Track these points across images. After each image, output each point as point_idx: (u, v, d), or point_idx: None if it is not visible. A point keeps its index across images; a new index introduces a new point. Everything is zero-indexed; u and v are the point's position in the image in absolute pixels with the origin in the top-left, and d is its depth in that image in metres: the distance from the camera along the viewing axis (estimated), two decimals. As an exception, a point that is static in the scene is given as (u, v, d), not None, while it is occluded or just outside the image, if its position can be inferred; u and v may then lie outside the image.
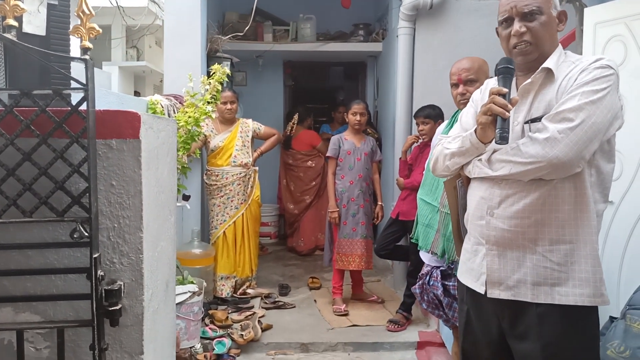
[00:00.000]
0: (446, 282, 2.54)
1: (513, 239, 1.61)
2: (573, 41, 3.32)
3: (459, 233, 1.94)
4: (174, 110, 3.58)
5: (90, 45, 1.19)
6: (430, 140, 3.70)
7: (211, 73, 3.37)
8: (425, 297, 2.64)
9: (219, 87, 3.34)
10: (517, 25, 1.60)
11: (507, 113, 1.49)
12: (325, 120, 7.17)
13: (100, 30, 1.20)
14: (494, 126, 1.53)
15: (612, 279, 2.80)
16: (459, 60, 2.53)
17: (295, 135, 6.02)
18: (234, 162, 4.30)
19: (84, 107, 1.17)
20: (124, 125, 1.11)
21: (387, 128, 5.46)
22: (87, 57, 1.18)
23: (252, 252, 4.43)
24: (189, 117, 3.17)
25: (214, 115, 3.40)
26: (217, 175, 4.29)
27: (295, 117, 6.03)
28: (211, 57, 4.66)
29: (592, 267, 1.55)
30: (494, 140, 1.56)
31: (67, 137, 1.19)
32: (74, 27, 1.18)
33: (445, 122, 2.79)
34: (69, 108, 1.19)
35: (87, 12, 1.18)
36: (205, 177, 4.36)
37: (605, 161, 1.59)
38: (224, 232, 4.29)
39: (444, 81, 2.67)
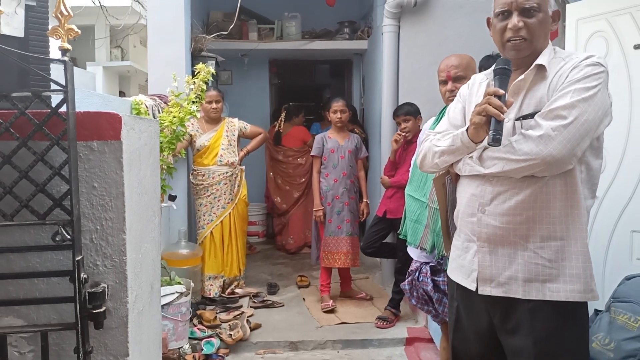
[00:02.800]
0: (436, 278, 2.55)
1: (504, 235, 1.61)
2: (556, 37, 3.36)
3: (448, 230, 1.94)
4: (158, 110, 3.56)
5: (69, 47, 1.17)
6: (414, 137, 3.72)
7: (196, 72, 3.36)
8: (415, 293, 2.65)
9: (204, 87, 3.32)
10: (515, 19, 1.59)
11: (502, 115, 1.49)
12: (313, 119, 7.17)
13: (79, 32, 1.18)
14: (488, 127, 1.52)
15: (596, 272, 2.82)
16: (447, 57, 2.54)
17: (286, 132, 6.02)
18: (220, 161, 4.29)
19: (64, 108, 1.16)
20: (105, 127, 1.10)
21: (373, 125, 5.47)
22: (66, 58, 1.17)
23: (239, 252, 4.43)
24: (174, 117, 3.15)
25: (198, 115, 3.38)
26: (204, 175, 4.27)
27: (283, 113, 6.03)
28: (196, 56, 4.64)
29: (583, 263, 1.56)
30: (485, 140, 1.56)
31: (47, 139, 1.18)
32: (52, 28, 1.16)
33: (433, 119, 2.80)
34: (49, 110, 1.18)
35: (66, 13, 1.17)
36: (191, 177, 4.35)
37: (594, 157, 1.60)
38: (211, 231, 4.28)
39: (429, 78, 2.69)
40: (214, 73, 3.50)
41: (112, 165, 1.12)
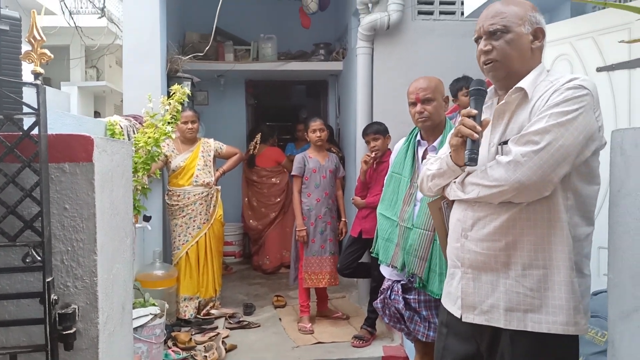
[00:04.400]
0: (407, 296, 2.57)
1: (486, 262, 1.59)
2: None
3: None
4: (133, 131, 3.56)
5: (42, 71, 1.19)
6: (384, 156, 3.77)
7: (171, 93, 3.38)
8: (387, 312, 2.67)
9: (179, 107, 3.34)
10: (482, 44, 1.61)
11: (475, 135, 1.49)
12: (289, 139, 7.21)
13: (52, 56, 1.20)
14: (465, 147, 1.52)
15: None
16: (416, 79, 2.61)
17: (260, 153, 6.04)
18: (196, 181, 4.29)
19: (36, 131, 1.17)
20: (77, 149, 1.12)
21: (349, 145, 5.53)
22: (38, 82, 1.18)
23: (215, 272, 4.40)
24: (149, 137, 3.16)
25: (174, 136, 3.39)
26: (179, 196, 4.26)
27: (258, 136, 6.06)
28: (171, 77, 4.66)
29: (566, 294, 1.51)
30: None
31: (19, 161, 1.19)
32: (25, 52, 1.18)
33: (403, 139, 2.85)
34: (21, 133, 1.19)
35: (39, 38, 1.19)
36: (166, 198, 4.33)
37: (584, 183, 1.54)
38: (187, 252, 4.26)
39: (403, 99, 2.74)
40: (190, 94, 3.53)
41: (83, 187, 1.13)
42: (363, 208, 3.93)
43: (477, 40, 1.65)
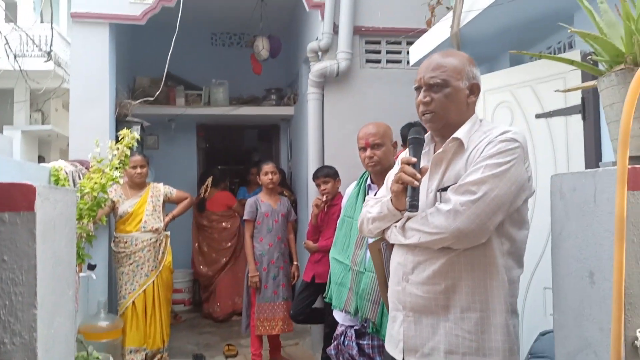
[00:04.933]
0: (361, 341, 2.55)
1: (427, 305, 1.62)
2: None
3: (387, 297, 1.96)
4: (79, 177, 3.46)
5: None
6: (335, 199, 3.80)
7: (120, 138, 3.32)
8: (341, 358, 2.64)
9: (128, 152, 3.28)
10: (421, 95, 1.67)
11: (415, 182, 1.53)
12: (240, 182, 7.18)
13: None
14: (406, 194, 1.56)
15: (514, 328, 2.95)
16: (366, 125, 2.68)
17: (210, 197, 5.97)
18: (144, 227, 4.18)
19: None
20: (18, 198, 1.07)
21: (301, 188, 5.56)
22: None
23: (163, 322, 4.25)
24: (95, 183, 3.07)
25: (121, 181, 3.31)
26: (126, 242, 4.13)
27: (209, 179, 6.00)
28: (120, 121, 4.60)
29: (502, 337, 1.56)
30: None
31: (-46, 211, 1.13)
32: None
33: (354, 183, 2.90)
34: (-42, 180, 1.13)
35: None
36: (112, 245, 4.19)
37: (516, 229, 1.62)
38: (133, 301, 4.10)
39: (353, 143, 2.81)
40: (139, 138, 3.48)
41: (24, 237, 1.08)
42: (315, 252, 3.92)
43: (417, 89, 1.72)
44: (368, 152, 2.58)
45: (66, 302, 1.34)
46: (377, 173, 2.61)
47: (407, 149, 1.68)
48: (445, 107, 1.65)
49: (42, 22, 9.91)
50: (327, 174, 3.88)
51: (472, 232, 1.51)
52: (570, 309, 1.34)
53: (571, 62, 1.47)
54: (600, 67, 1.37)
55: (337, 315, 2.69)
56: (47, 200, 1.15)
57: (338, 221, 2.88)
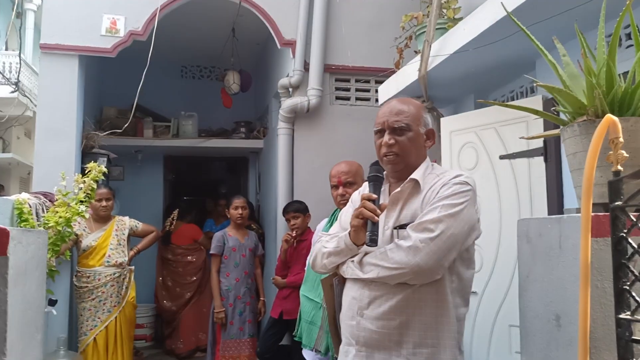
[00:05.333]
0: (329, 381, 2.54)
1: (380, 340, 1.65)
2: (433, 144, 3.71)
3: (337, 331, 1.98)
4: (42, 210, 3.37)
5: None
6: (304, 234, 3.81)
7: (87, 171, 3.26)
8: (309, 397, 2.61)
9: (94, 186, 3.23)
10: (386, 137, 1.75)
11: (376, 217, 1.59)
12: (207, 215, 7.09)
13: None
14: (365, 229, 1.62)
15: (481, 366, 2.98)
16: (338, 163, 2.73)
17: (176, 230, 5.88)
18: (108, 262, 4.08)
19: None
20: (-9, 242, 1.06)
21: (269, 222, 5.53)
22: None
23: (125, 359, 4.11)
24: (60, 217, 3.00)
25: (87, 216, 3.25)
26: (89, 277, 4.02)
27: (175, 212, 5.91)
28: (86, 153, 4.53)
29: None
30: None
31: None
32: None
33: (326, 220, 2.92)
34: None
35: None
36: (75, 279, 4.07)
37: (465, 268, 1.70)
38: (95, 338, 3.97)
39: (323, 178, 2.85)
40: (106, 171, 3.43)
41: (-5, 282, 1.06)
42: (284, 288, 3.88)
43: (378, 132, 1.80)
44: (340, 190, 2.62)
45: (35, 346, 1.31)
46: None
47: (367, 186, 1.76)
48: (407, 150, 1.76)
49: (6, 49, 9.73)
50: (297, 209, 3.88)
51: (430, 269, 1.57)
52: (537, 350, 1.38)
53: (536, 112, 1.55)
54: (563, 116, 1.44)
55: (307, 354, 2.67)
56: (20, 244, 1.14)
57: (309, 258, 2.88)
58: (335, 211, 2.81)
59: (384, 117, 1.79)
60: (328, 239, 1.87)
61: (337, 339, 1.96)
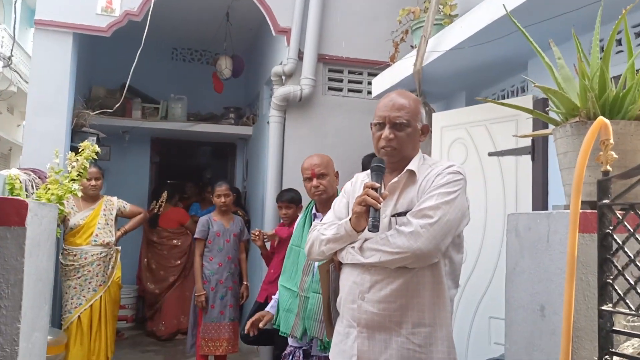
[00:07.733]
0: (308, 362, 2.61)
1: (381, 321, 1.75)
2: (426, 139, 3.78)
3: (329, 316, 2.05)
4: (32, 186, 3.37)
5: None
6: (290, 223, 3.78)
7: (80, 149, 3.26)
8: (289, 378, 2.68)
9: (87, 165, 3.23)
10: (387, 132, 1.84)
11: (378, 204, 1.68)
12: (194, 199, 7.09)
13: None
14: (367, 216, 1.70)
15: (460, 356, 3.07)
16: (310, 156, 2.79)
17: (163, 213, 5.89)
18: (95, 241, 4.09)
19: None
20: (10, 213, 1.08)
21: (256, 209, 5.58)
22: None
23: (109, 338, 4.14)
24: (52, 194, 3.01)
25: (79, 194, 3.25)
26: (75, 255, 4.02)
27: (164, 194, 5.92)
28: (76, 131, 4.51)
29: (447, 348, 1.75)
30: (366, 229, 1.73)
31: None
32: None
33: (301, 215, 2.94)
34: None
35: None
36: (61, 257, 4.07)
37: (455, 252, 1.82)
38: (79, 316, 3.98)
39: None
40: (99, 151, 3.43)
41: (13, 252, 1.08)
42: (271, 268, 3.85)
43: (377, 125, 1.88)
44: (314, 182, 2.68)
45: (43, 317, 1.35)
46: (322, 202, 2.69)
47: (370, 175, 1.83)
48: (405, 145, 1.86)
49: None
50: (291, 199, 3.79)
51: (430, 252, 1.68)
52: (521, 339, 1.46)
53: (530, 111, 1.62)
54: (554, 115, 1.51)
55: (290, 339, 2.73)
56: (36, 217, 1.17)
57: (287, 250, 2.92)
58: (309, 204, 2.85)
59: (385, 111, 1.86)
60: (326, 226, 1.93)
61: (330, 325, 2.03)
